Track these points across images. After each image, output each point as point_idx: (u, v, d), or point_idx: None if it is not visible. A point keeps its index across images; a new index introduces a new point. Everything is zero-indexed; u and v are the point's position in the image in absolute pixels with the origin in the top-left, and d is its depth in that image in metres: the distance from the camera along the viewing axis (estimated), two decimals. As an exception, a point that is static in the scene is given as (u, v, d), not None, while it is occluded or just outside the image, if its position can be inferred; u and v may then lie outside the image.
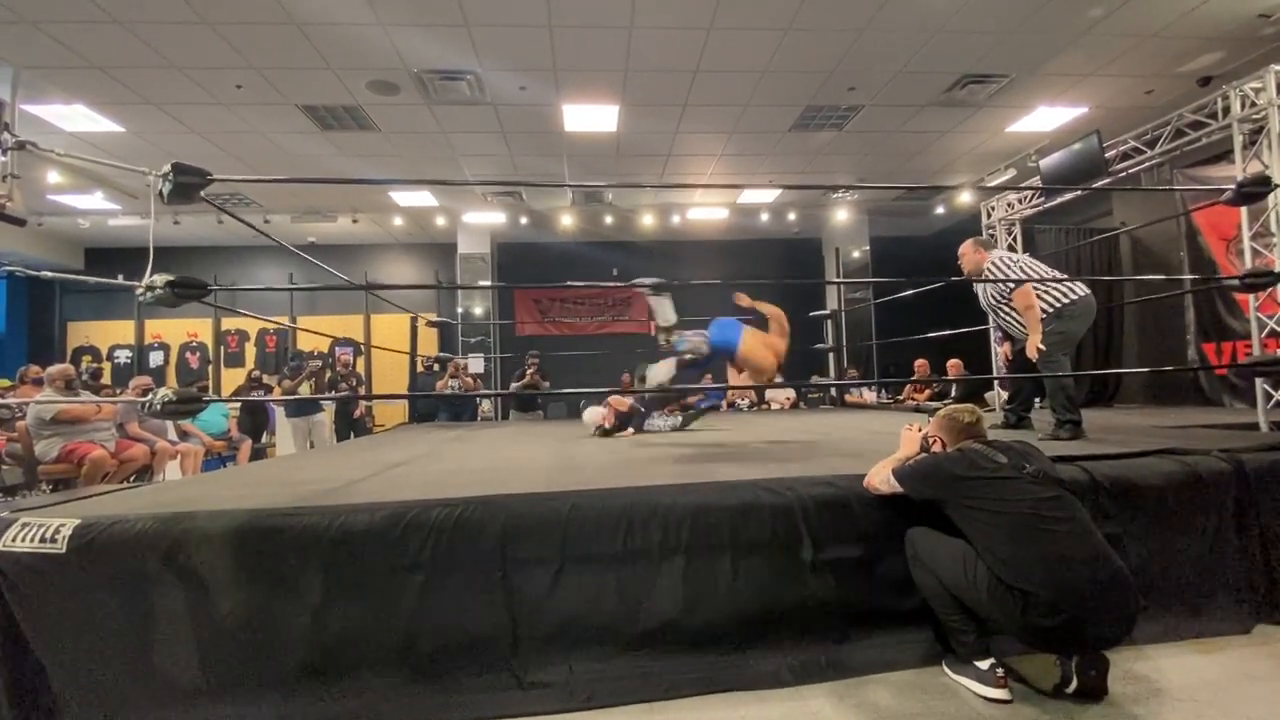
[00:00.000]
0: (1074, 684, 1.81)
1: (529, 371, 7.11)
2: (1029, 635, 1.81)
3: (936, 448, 2.14)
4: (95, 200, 8.27)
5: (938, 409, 2.26)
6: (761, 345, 3.56)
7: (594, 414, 4.90)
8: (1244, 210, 4.30)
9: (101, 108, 6.03)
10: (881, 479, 2.13)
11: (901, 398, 8.41)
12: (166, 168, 2.25)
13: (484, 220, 9.88)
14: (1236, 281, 3.06)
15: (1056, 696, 1.83)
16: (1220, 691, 1.85)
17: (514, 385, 7.10)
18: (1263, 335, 4.33)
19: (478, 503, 2.07)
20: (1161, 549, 2.30)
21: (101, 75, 5.44)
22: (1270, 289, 3.91)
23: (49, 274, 3.17)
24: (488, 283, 10.13)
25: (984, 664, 1.87)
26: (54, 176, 7.38)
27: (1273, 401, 4.20)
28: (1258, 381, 4.20)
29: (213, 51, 5.13)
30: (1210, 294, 6.20)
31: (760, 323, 3.76)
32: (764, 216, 9.85)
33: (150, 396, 2.20)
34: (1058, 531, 1.79)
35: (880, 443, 3.61)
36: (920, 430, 2.21)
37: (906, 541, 2.08)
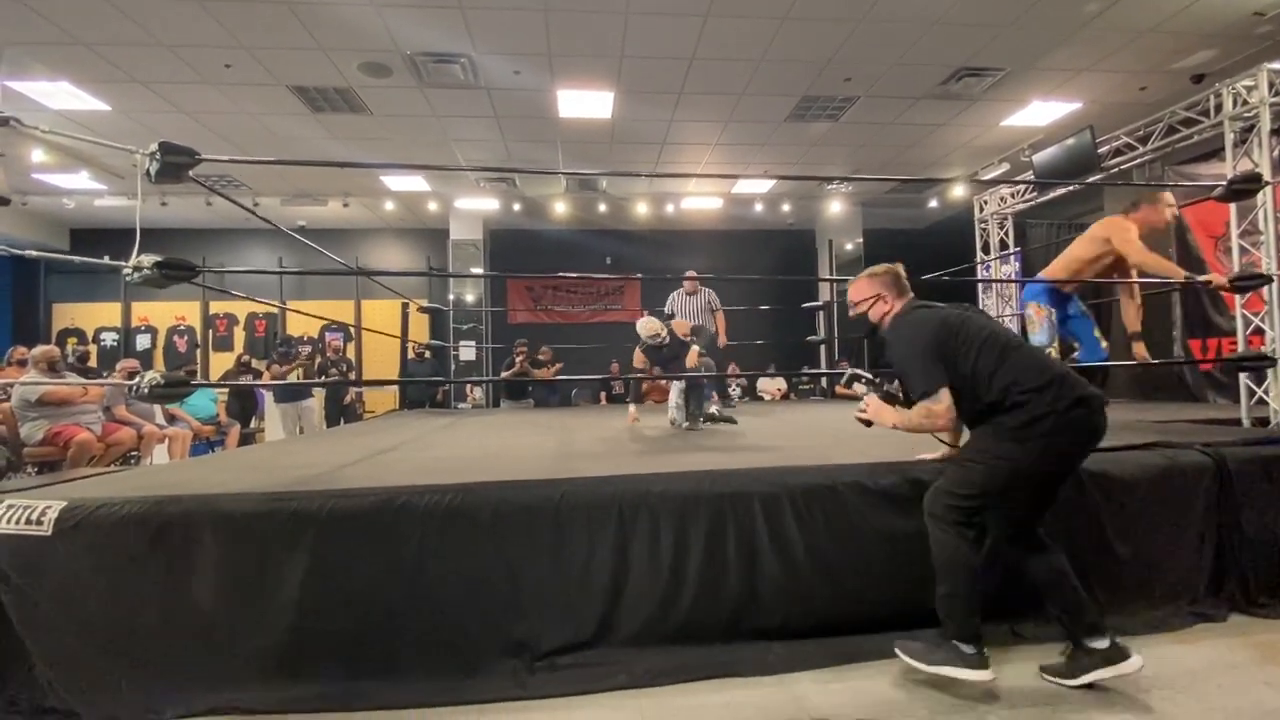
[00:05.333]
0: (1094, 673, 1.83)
1: (518, 359, 7.10)
2: (1050, 455, 1.86)
3: (880, 306, 2.14)
4: (81, 180, 8.12)
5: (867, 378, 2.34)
6: None
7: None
8: (1233, 208, 4.33)
9: (87, 85, 5.91)
10: (900, 419, 2.01)
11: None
12: (154, 146, 2.21)
13: (477, 206, 9.80)
14: (1225, 283, 3.11)
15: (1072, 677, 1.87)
16: (1198, 680, 1.89)
17: (504, 373, 7.09)
18: (1248, 332, 4.38)
19: (468, 489, 2.07)
20: (1144, 541, 2.34)
21: (87, 52, 5.33)
22: (1255, 290, 3.95)
23: (34, 253, 3.12)
24: (479, 269, 10.06)
25: (969, 648, 1.86)
26: (38, 155, 7.23)
27: (1255, 397, 4.25)
28: (1241, 377, 4.25)
29: (201, 29, 5.03)
30: (1197, 291, 6.25)
31: None
32: (758, 207, 9.83)
33: (137, 379, 2.18)
34: (1022, 344, 2.03)
35: (871, 432, 3.63)
36: (867, 396, 2.17)
37: (927, 501, 2.00)
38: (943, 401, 1.89)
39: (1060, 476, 1.96)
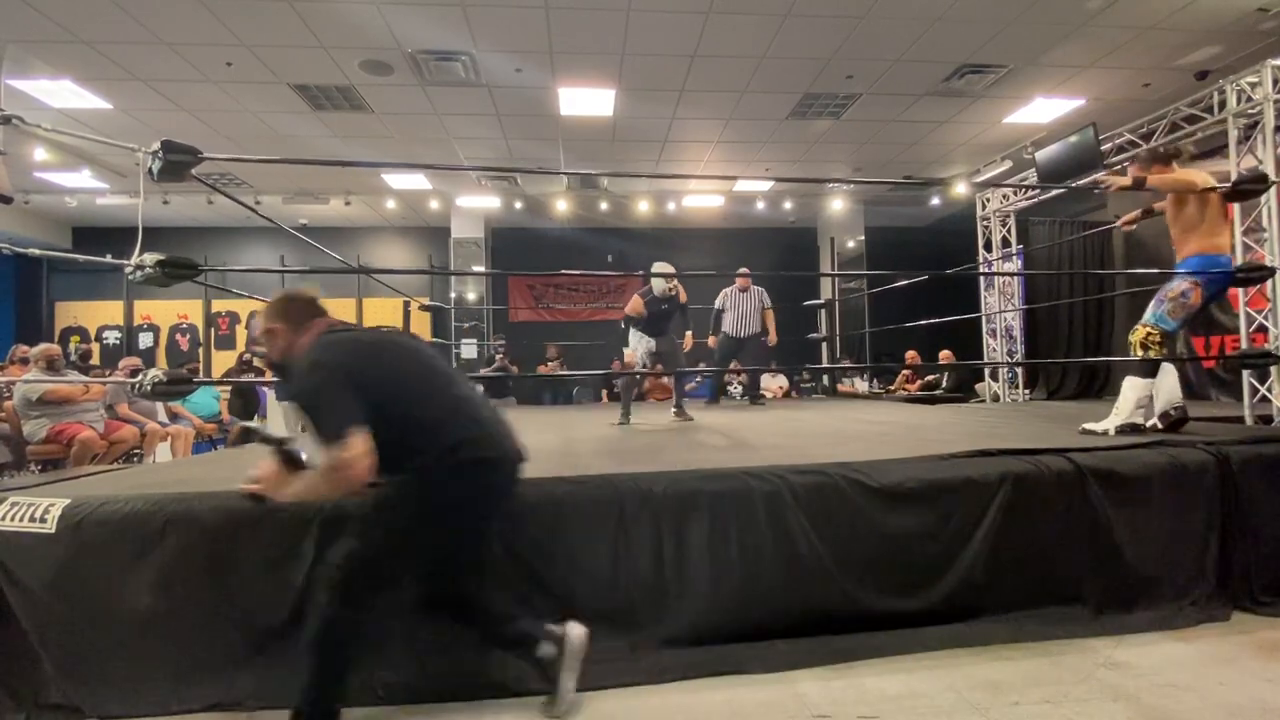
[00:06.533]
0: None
1: (498, 357, 7.14)
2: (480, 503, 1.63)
3: (276, 343, 1.69)
4: (83, 178, 8.14)
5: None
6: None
7: None
8: (1236, 206, 4.31)
9: (89, 84, 5.92)
10: (305, 488, 1.55)
11: (893, 387, 8.46)
12: (156, 145, 2.22)
13: (478, 204, 9.81)
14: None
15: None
16: (1198, 677, 1.88)
17: (483, 371, 7.14)
18: (1250, 329, 4.37)
19: (470, 487, 2.07)
20: (1146, 538, 2.33)
21: (89, 50, 5.33)
22: (1260, 284, 3.94)
23: (36, 251, 3.12)
24: (481, 267, 10.07)
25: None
26: (41, 154, 7.25)
27: (1258, 395, 4.25)
28: (1244, 375, 4.25)
29: (203, 27, 5.04)
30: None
31: None
32: (760, 205, 9.82)
33: (140, 377, 2.18)
34: (450, 376, 1.75)
35: (873, 430, 3.64)
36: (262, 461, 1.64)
37: (319, 574, 1.69)
38: (355, 448, 1.42)
39: (473, 534, 1.70)
